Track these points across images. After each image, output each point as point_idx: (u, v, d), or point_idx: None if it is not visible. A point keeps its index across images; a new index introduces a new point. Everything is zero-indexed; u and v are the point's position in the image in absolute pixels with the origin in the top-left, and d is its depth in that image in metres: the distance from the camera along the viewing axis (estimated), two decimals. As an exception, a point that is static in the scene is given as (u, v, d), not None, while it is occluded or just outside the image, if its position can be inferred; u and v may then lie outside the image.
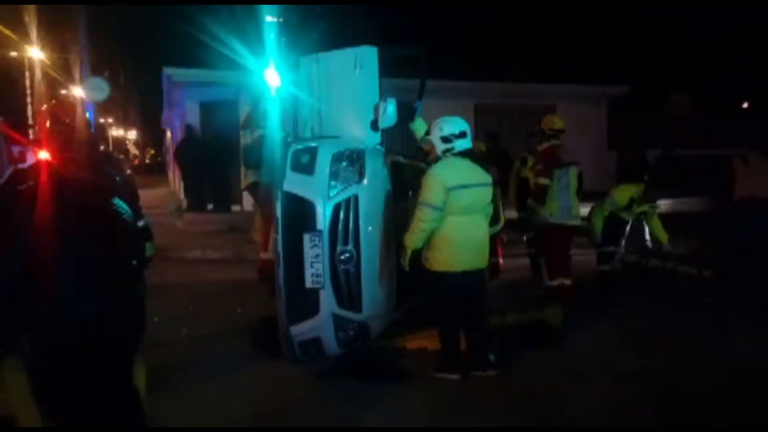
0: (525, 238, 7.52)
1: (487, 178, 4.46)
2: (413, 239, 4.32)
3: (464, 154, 4.41)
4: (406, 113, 5.29)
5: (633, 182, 7.09)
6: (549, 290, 6.02)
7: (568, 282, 6.00)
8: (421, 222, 4.27)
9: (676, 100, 18.85)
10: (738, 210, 6.46)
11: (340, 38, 5.34)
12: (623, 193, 6.85)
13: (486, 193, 4.45)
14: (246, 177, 6.65)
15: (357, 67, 5.02)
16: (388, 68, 5.24)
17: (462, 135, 4.40)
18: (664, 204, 11.06)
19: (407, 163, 5.64)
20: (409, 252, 4.36)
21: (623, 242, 7.15)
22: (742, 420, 3.78)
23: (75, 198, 2.50)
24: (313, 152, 4.48)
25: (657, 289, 6.98)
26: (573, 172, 6.07)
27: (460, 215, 4.29)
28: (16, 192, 2.50)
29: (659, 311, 6.15)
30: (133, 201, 2.89)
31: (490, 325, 4.74)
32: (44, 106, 3.60)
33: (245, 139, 6.59)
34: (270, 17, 5.86)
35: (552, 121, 6.20)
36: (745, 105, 28.99)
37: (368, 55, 5.08)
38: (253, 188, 6.65)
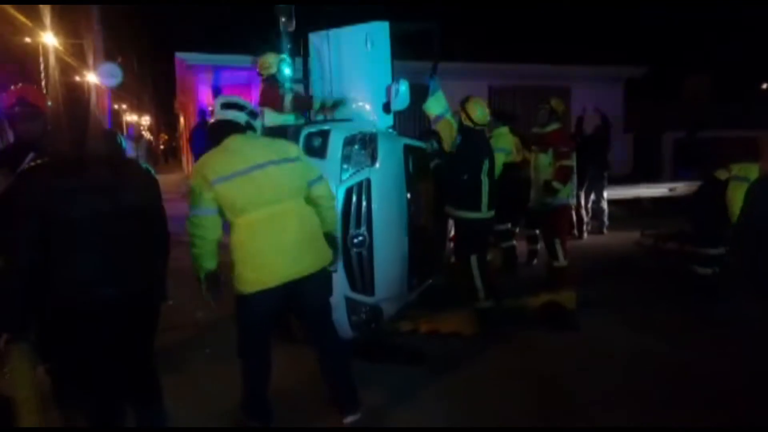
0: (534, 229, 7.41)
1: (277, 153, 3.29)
2: None
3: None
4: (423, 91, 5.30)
5: (752, 161, 5.76)
6: (562, 270, 6.09)
7: None
8: None
9: (695, 81, 18.51)
10: (760, 187, 6.13)
11: (351, 19, 5.25)
12: (754, 175, 5.61)
13: (280, 172, 3.25)
14: None
15: (369, 43, 4.95)
16: (399, 50, 5.18)
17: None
18: (683, 186, 10.95)
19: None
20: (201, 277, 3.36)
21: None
22: (759, 407, 3.75)
23: (89, 173, 2.47)
24: (325, 135, 4.45)
25: (673, 272, 6.88)
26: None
27: (248, 212, 3.22)
28: (23, 174, 2.50)
29: (675, 295, 6.08)
30: None
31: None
32: (12, 87, 3.61)
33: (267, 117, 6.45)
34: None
35: (560, 103, 6.34)
36: (765, 86, 28.46)
37: (380, 31, 5.01)
38: None
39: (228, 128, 3.29)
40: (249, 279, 3.23)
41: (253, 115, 3.40)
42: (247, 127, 3.33)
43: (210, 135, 3.36)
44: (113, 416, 2.58)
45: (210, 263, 3.28)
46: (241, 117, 3.32)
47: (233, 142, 3.25)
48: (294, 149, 3.44)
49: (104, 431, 2.55)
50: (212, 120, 3.44)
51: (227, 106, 3.34)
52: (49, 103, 3.60)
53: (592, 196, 9.50)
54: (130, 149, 10.02)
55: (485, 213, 5.09)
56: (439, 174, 5.42)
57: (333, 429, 3.55)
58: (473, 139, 5.12)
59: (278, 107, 5.61)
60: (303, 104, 5.56)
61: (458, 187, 5.10)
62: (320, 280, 3.44)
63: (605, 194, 9.57)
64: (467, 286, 5.12)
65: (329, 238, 3.51)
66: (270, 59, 5.85)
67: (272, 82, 5.84)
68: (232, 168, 3.15)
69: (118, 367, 2.55)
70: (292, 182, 3.30)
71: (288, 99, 5.51)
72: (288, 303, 3.37)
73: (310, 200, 3.41)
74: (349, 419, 3.48)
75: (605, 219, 9.62)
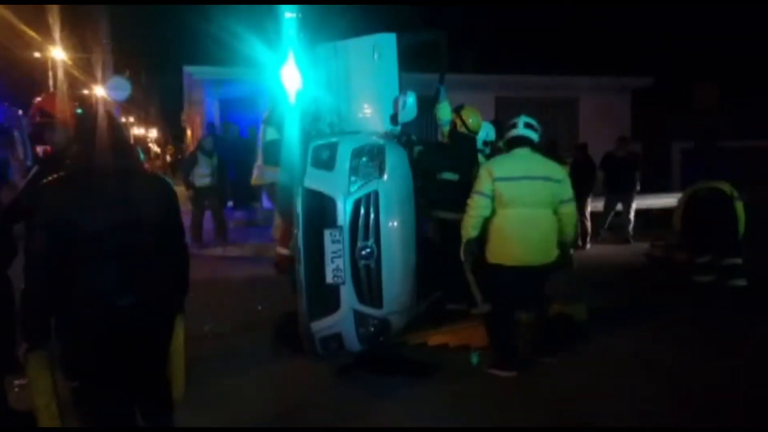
0: None
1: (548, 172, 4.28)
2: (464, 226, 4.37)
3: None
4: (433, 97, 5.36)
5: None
6: None
7: None
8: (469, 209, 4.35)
9: (703, 89, 18.37)
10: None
11: (357, 33, 5.26)
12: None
13: (543, 187, 4.24)
14: (262, 176, 6.49)
15: (376, 55, 4.96)
16: (406, 62, 5.18)
17: None
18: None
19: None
20: (463, 241, 4.34)
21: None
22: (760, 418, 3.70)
23: (106, 186, 2.47)
24: (333, 148, 4.46)
25: (683, 283, 6.82)
26: None
27: (511, 207, 4.23)
28: (40, 188, 2.51)
29: (685, 305, 6.02)
30: None
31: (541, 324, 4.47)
32: (36, 99, 3.65)
33: (266, 135, 6.44)
34: (289, 13, 5.81)
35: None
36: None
37: (387, 42, 5.01)
38: (271, 188, 6.49)
39: (523, 142, 4.33)
40: (495, 254, 4.26)
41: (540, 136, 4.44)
42: (536, 145, 4.39)
43: (507, 144, 4.44)
44: (125, 424, 2.58)
45: (473, 232, 4.30)
46: (534, 136, 4.35)
47: (521, 152, 4.31)
48: (560, 172, 4.33)
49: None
50: (514, 134, 4.39)
51: (528, 126, 4.36)
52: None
53: (619, 206, 9.76)
54: (204, 166, 9.37)
55: None
56: (420, 165, 5.32)
57: (332, 429, 3.56)
58: (466, 145, 5.28)
59: None
60: None
61: (448, 190, 5.15)
62: (543, 270, 4.28)
63: (588, 208, 9.66)
64: (463, 292, 5.11)
65: (563, 245, 4.35)
66: None
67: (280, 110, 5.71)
68: (512, 172, 4.21)
69: (130, 375, 2.56)
70: (548, 197, 4.22)
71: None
72: (524, 281, 4.23)
73: (557, 213, 4.28)
74: (547, 359, 4.39)
75: (630, 229, 9.83)
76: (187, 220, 11.55)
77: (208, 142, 9.74)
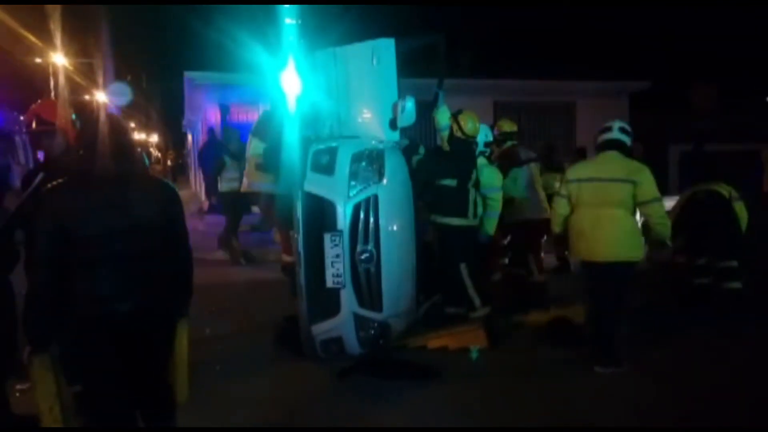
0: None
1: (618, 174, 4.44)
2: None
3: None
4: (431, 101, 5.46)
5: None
6: (539, 286, 6.27)
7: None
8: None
9: (702, 91, 18.37)
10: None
11: (356, 39, 5.29)
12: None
13: (614, 188, 4.41)
14: (250, 185, 6.42)
15: (375, 60, 4.99)
16: (405, 67, 5.22)
17: None
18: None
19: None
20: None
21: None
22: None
23: (106, 190, 2.50)
24: (332, 153, 4.49)
25: (682, 285, 6.84)
26: (535, 169, 6.56)
27: (581, 207, 4.54)
28: (42, 193, 2.54)
29: (684, 306, 6.07)
30: None
31: (614, 324, 4.49)
32: (32, 106, 3.69)
33: (251, 146, 6.34)
34: (289, 20, 5.84)
35: (500, 125, 6.78)
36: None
37: (386, 47, 5.05)
38: (267, 198, 6.42)
39: (613, 145, 4.53)
40: (573, 249, 4.71)
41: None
42: (627, 149, 4.55)
43: (597, 147, 4.61)
44: (126, 426, 2.60)
45: (557, 229, 4.79)
46: (627, 140, 4.56)
47: (606, 155, 4.52)
48: (639, 175, 4.39)
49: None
50: (606, 138, 4.57)
51: (622, 130, 4.58)
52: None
53: None
54: (233, 170, 9.11)
55: (471, 220, 5.26)
56: (420, 173, 5.33)
57: (332, 430, 3.58)
58: (464, 149, 5.33)
59: None
60: None
61: (446, 195, 5.21)
62: (619, 267, 4.39)
63: None
64: (461, 296, 5.16)
65: (655, 242, 4.72)
66: None
67: (277, 118, 5.68)
68: (582, 174, 4.54)
69: (131, 378, 2.58)
70: (618, 197, 4.38)
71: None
72: (598, 276, 4.45)
73: (642, 214, 4.48)
74: (597, 369, 4.36)
75: None
76: (198, 224, 11.44)
77: (235, 146, 9.56)
